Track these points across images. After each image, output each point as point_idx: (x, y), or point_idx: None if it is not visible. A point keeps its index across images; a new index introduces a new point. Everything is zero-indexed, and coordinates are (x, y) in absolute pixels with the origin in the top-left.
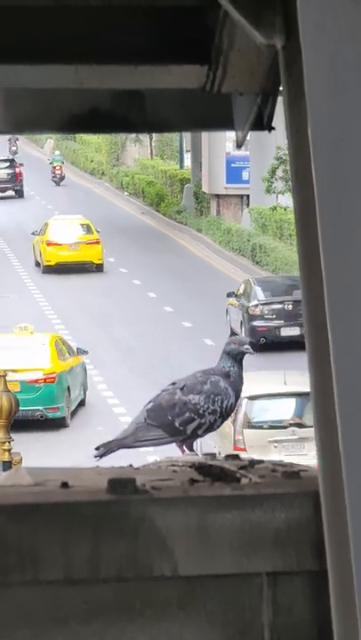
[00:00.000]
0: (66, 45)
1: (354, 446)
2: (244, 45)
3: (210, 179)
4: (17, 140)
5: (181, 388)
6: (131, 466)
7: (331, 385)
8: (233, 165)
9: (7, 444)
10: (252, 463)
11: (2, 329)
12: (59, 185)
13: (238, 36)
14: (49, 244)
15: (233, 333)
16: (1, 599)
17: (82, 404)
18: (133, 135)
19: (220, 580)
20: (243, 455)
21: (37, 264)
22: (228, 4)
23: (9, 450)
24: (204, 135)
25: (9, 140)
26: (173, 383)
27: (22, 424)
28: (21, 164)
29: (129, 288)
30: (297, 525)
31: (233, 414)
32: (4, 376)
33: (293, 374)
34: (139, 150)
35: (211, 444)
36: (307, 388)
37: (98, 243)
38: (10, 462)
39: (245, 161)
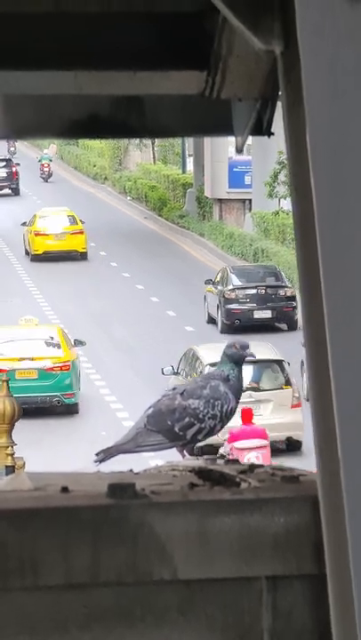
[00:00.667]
0: (65, 51)
1: (352, 451)
2: (243, 51)
3: (212, 183)
4: (15, 141)
5: (181, 393)
6: (131, 470)
7: (330, 391)
8: (235, 170)
9: (10, 448)
10: (252, 467)
11: None
12: (47, 181)
13: (237, 41)
14: (37, 234)
15: (211, 319)
16: (1, 604)
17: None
18: (136, 140)
19: (220, 585)
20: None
21: (27, 253)
22: (227, 10)
23: (12, 454)
24: (207, 140)
25: (7, 140)
26: (174, 388)
27: (38, 411)
28: (18, 164)
29: (132, 293)
30: (296, 529)
31: None
32: (7, 381)
33: (252, 345)
34: (141, 155)
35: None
36: (263, 356)
37: (82, 233)
38: (13, 467)
39: (248, 165)
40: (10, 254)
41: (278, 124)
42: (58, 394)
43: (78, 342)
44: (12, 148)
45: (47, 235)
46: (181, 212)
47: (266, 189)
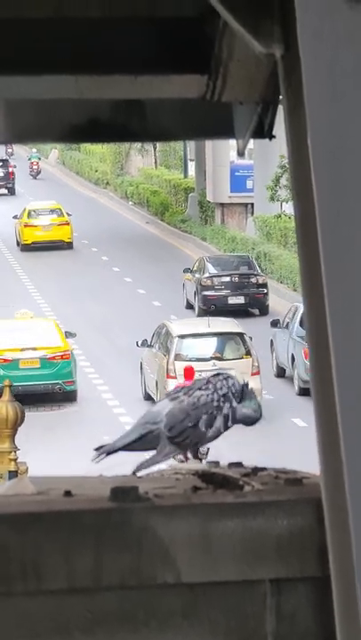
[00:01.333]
0: (66, 56)
1: (355, 453)
2: (244, 55)
3: (214, 187)
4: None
5: (185, 393)
6: (134, 474)
7: (332, 393)
8: (237, 174)
9: (13, 453)
10: (255, 470)
11: None
12: (35, 178)
13: (238, 45)
14: (26, 225)
15: (189, 304)
16: (4, 609)
17: None
18: (138, 145)
19: (223, 589)
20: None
21: (18, 243)
22: (227, 14)
23: (15, 459)
24: (208, 144)
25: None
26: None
27: (40, 397)
28: (14, 166)
29: (134, 297)
30: (299, 532)
31: (167, 354)
32: (10, 386)
33: (216, 320)
34: (143, 160)
35: (146, 370)
36: (226, 330)
37: (68, 224)
38: (16, 472)
39: (249, 169)
40: (1, 245)
41: (279, 127)
42: (59, 381)
43: (69, 334)
44: (10, 150)
45: (36, 226)
46: (183, 216)
47: (268, 193)
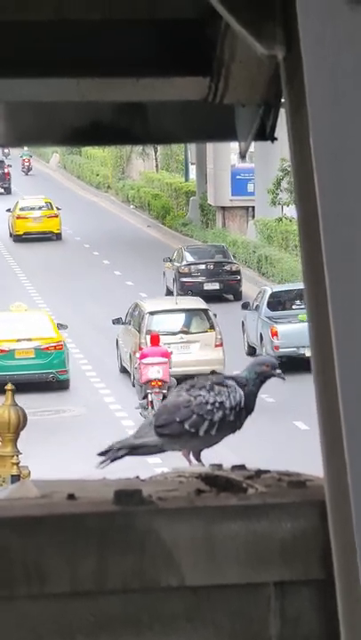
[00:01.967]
0: (67, 59)
1: (359, 455)
2: (246, 57)
3: (215, 191)
4: None
5: (187, 389)
6: (137, 477)
7: (336, 393)
8: (238, 177)
9: (15, 457)
10: (259, 473)
11: None
12: (27, 174)
13: (239, 47)
14: (18, 217)
15: (168, 291)
16: (7, 612)
17: None
18: (139, 148)
19: (228, 592)
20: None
21: (10, 235)
22: (229, 15)
23: (17, 463)
24: (209, 148)
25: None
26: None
27: (35, 386)
28: (10, 165)
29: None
30: (303, 535)
31: (140, 330)
32: (13, 390)
33: (183, 298)
34: (144, 163)
35: (121, 345)
36: (192, 306)
37: (56, 216)
38: (18, 476)
39: (250, 173)
40: None
41: (281, 129)
42: (53, 371)
43: (61, 326)
44: (7, 150)
45: (27, 218)
46: (185, 219)
47: (269, 197)
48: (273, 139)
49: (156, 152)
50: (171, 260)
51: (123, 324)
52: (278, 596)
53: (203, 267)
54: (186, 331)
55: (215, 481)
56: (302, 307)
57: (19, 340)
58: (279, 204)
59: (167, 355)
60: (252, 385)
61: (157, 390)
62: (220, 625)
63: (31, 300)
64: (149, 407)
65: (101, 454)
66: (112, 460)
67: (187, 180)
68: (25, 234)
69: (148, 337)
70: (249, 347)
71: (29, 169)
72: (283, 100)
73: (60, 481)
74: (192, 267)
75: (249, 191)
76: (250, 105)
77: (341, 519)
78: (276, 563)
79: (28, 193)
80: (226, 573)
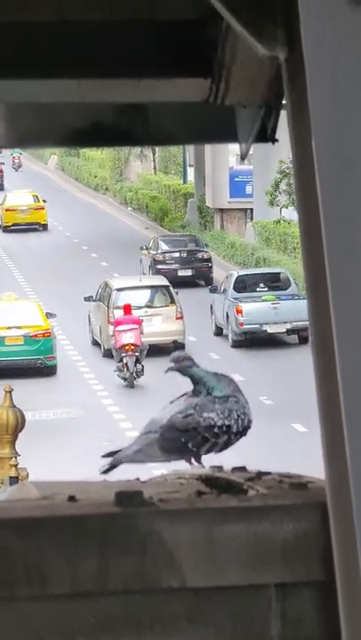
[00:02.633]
0: (68, 60)
1: None
2: (247, 58)
3: (213, 193)
4: None
5: (195, 407)
6: (138, 479)
7: (338, 395)
8: (236, 179)
9: (14, 459)
10: (260, 475)
11: None
12: (17, 171)
13: (241, 48)
14: (7, 209)
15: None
16: (8, 614)
17: None
18: (137, 150)
19: (229, 593)
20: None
21: (0, 226)
22: (230, 16)
23: (15, 465)
24: (207, 150)
25: None
26: (184, 394)
27: (24, 371)
28: (2, 163)
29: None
30: (305, 537)
31: (108, 305)
32: (11, 392)
33: (147, 276)
34: (142, 165)
35: (93, 320)
36: (154, 283)
37: (43, 208)
38: (17, 478)
39: (249, 175)
40: None
41: (280, 131)
42: (41, 357)
43: (49, 315)
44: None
45: (15, 210)
46: (183, 222)
47: (267, 199)
48: (274, 140)
49: (154, 154)
50: (147, 249)
51: (94, 300)
52: (280, 597)
53: (177, 255)
54: (150, 305)
55: (216, 482)
56: (265, 289)
57: (9, 328)
58: (277, 205)
59: (138, 322)
60: (218, 388)
61: (131, 353)
62: (222, 626)
63: (21, 289)
64: (125, 369)
65: (106, 456)
66: (115, 467)
67: (185, 182)
68: (13, 225)
69: (116, 311)
70: (216, 327)
71: (19, 165)
72: (284, 102)
73: (60, 482)
74: (166, 255)
75: (247, 193)
76: (251, 106)
77: (343, 521)
78: (278, 564)
79: (18, 188)
80: (227, 575)
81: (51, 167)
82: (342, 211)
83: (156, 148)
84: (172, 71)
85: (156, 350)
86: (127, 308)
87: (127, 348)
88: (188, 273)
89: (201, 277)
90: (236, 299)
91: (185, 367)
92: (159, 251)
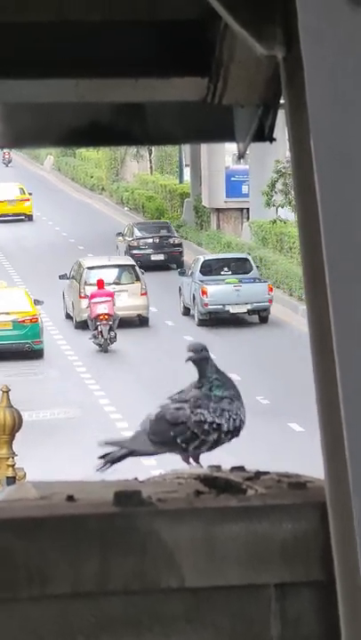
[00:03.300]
0: (66, 59)
1: (360, 457)
2: (245, 57)
3: (210, 193)
4: None
5: (187, 400)
6: (136, 479)
7: (336, 394)
8: (233, 179)
9: (11, 459)
10: (258, 474)
11: None
12: (7, 166)
13: (239, 47)
14: None
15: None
16: (8, 614)
17: None
18: (133, 150)
19: (228, 593)
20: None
21: None
22: (228, 16)
23: (12, 465)
24: (204, 149)
25: None
26: (180, 391)
27: (13, 354)
28: None
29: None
30: (304, 536)
31: (79, 282)
32: (8, 392)
33: (115, 256)
34: (138, 165)
35: (66, 297)
36: (121, 262)
37: (28, 200)
38: (14, 478)
39: (245, 175)
40: None
41: (276, 131)
42: (29, 341)
43: (37, 302)
44: None
45: (2, 202)
46: (179, 221)
47: (263, 198)
48: (272, 139)
49: (150, 154)
50: (122, 235)
51: (67, 278)
52: (279, 597)
53: (150, 240)
54: (117, 282)
55: (214, 482)
56: (229, 273)
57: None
58: (274, 205)
59: (111, 295)
60: (218, 387)
61: (105, 322)
62: (221, 626)
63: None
64: (99, 336)
65: (101, 457)
66: (111, 464)
67: (181, 181)
68: (2, 215)
69: (87, 287)
70: (184, 307)
71: (10, 160)
72: (282, 101)
73: (58, 482)
74: (140, 240)
75: (243, 193)
76: (249, 105)
77: (342, 520)
78: (277, 564)
79: (7, 181)
80: (226, 575)
81: (47, 167)
82: (341, 210)
83: (153, 148)
84: (170, 70)
85: (123, 323)
86: (100, 283)
87: (101, 317)
88: (161, 257)
89: (172, 261)
90: (201, 281)
91: (202, 359)
92: (133, 237)
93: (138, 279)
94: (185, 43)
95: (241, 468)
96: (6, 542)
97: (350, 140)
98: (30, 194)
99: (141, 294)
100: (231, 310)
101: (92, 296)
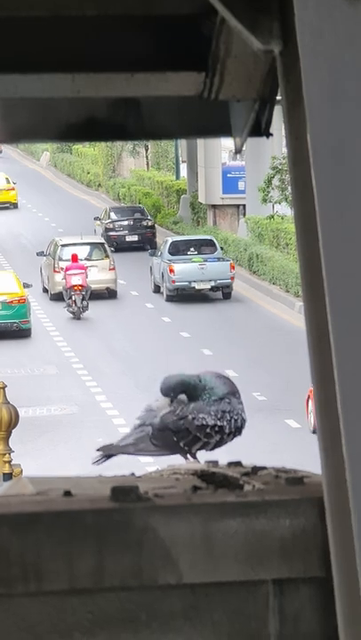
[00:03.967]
0: (62, 54)
1: (357, 452)
2: (241, 52)
3: (206, 189)
4: None
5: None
6: (133, 474)
7: (334, 390)
8: (229, 176)
9: (7, 455)
10: (255, 470)
11: None
12: None
13: (235, 42)
14: None
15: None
16: (4, 610)
17: None
18: (130, 147)
19: (226, 590)
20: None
21: None
22: (225, 10)
23: (9, 461)
24: (200, 146)
25: None
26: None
27: (2, 334)
28: None
29: (129, 300)
30: (302, 532)
31: (54, 258)
32: (4, 388)
33: (86, 235)
34: (135, 162)
35: (43, 272)
36: (92, 240)
37: (13, 189)
38: (10, 474)
39: (241, 171)
40: None
41: (273, 126)
42: (17, 321)
43: (26, 285)
44: None
45: None
46: (175, 217)
47: (259, 195)
48: (268, 134)
49: (146, 150)
50: (100, 219)
51: (44, 255)
52: (277, 593)
53: (125, 223)
54: (88, 258)
55: (212, 478)
56: (195, 252)
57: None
58: (270, 201)
59: (84, 268)
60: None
61: (78, 292)
62: (219, 623)
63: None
64: (73, 305)
65: (99, 450)
66: (108, 458)
67: (177, 178)
68: None
69: (61, 262)
70: (155, 285)
71: None
72: (279, 97)
73: (55, 478)
74: (116, 223)
75: (240, 189)
76: (245, 100)
77: (340, 516)
78: (275, 560)
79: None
80: (224, 571)
81: (43, 164)
82: (338, 205)
83: (149, 145)
84: (167, 65)
85: (93, 295)
86: (75, 257)
87: (75, 288)
88: (135, 238)
89: (146, 242)
90: (170, 260)
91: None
92: (109, 220)
93: (107, 256)
94: (181, 37)
95: (238, 464)
96: (2, 538)
97: (347, 136)
98: (15, 183)
99: (110, 269)
100: (196, 287)
101: (67, 269)
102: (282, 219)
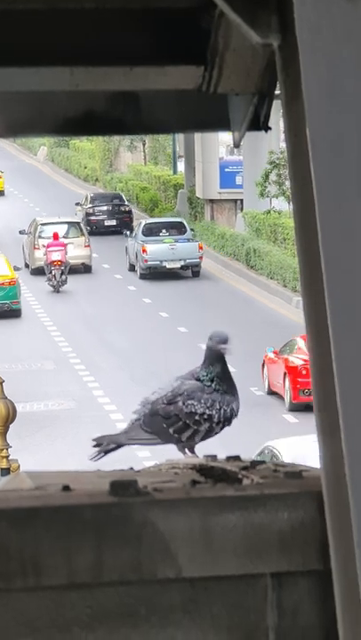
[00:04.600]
0: (61, 48)
1: (356, 446)
2: (240, 45)
3: (203, 184)
4: None
5: (181, 394)
6: (132, 469)
7: (332, 383)
8: (226, 170)
9: (5, 450)
10: (254, 464)
11: None
12: None
13: (234, 36)
14: None
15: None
16: (3, 606)
17: None
18: (127, 141)
19: (225, 583)
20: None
21: None
22: (223, 4)
23: (7, 457)
24: (198, 140)
25: None
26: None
27: None
28: None
29: (124, 294)
30: (301, 526)
31: (34, 236)
32: (1, 383)
33: (64, 216)
34: (132, 156)
35: (25, 249)
36: (68, 220)
37: (0, 177)
38: (8, 469)
39: (239, 166)
40: None
41: (271, 121)
42: (7, 301)
43: (16, 268)
44: None
45: None
46: (173, 212)
47: (257, 189)
48: (267, 128)
49: (144, 145)
50: (81, 205)
51: (26, 234)
52: (276, 586)
53: (104, 208)
54: (65, 236)
55: (210, 472)
56: (167, 234)
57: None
58: (268, 196)
59: (63, 245)
60: (217, 382)
61: (58, 267)
62: (218, 616)
63: None
64: (53, 279)
65: (96, 446)
66: (105, 453)
67: (175, 172)
68: None
69: (40, 240)
70: (130, 264)
71: None
72: (277, 92)
73: (53, 472)
74: (95, 208)
75: (237, 184)
76: (244, 94)
77: (339, 510)
78: (274, 554)
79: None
80: (223, 564)
81: (40, 158)
82: (337, 199)
83: (146, 139)
84: (165, 59)
85: (70, 270)
86: (56, 235)
87: (55, 263)
88: (113, 223)
89: (124, 226)
90: (143, 241)
91: (222, 352)
92: (90, 205)
93: (83, 234)
94: (180, 31)
95: (237, 458)
96: (0, 533)
97: (346, 130)
98: (2, 172)
99: (85, 246)
100: (167, 266)
101: (49, 245)
102: (279, 213)
